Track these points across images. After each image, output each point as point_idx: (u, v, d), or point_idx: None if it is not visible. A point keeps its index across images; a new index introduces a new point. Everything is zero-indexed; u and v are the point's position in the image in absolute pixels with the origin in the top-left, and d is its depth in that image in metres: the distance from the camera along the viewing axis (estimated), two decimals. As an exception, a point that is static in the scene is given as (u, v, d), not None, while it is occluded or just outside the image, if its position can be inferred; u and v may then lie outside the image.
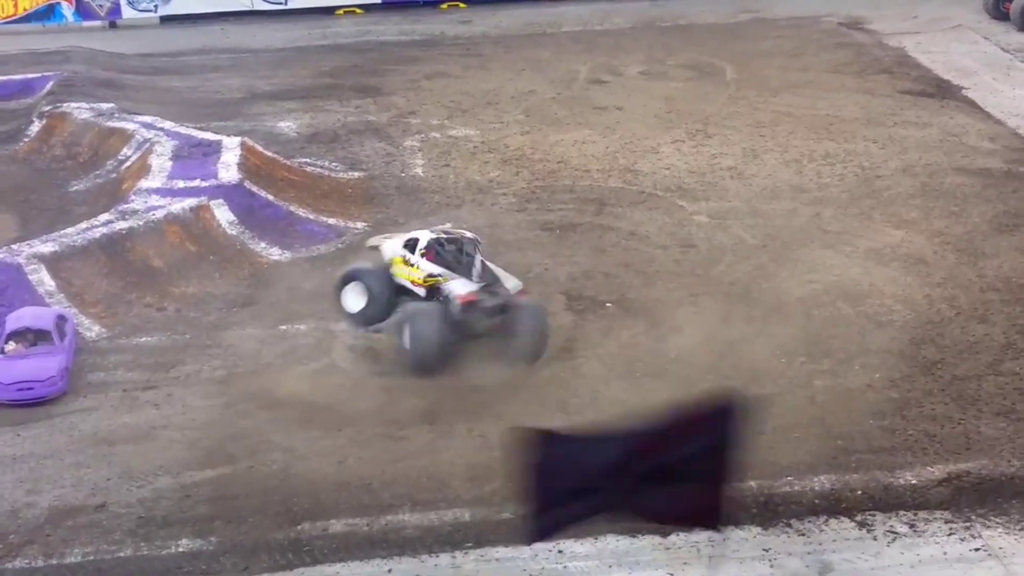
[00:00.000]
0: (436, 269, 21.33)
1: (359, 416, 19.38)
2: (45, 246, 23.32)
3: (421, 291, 21.34)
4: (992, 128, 30.79)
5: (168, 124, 29.80)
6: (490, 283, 21.22)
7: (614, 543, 16.40)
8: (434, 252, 21.55)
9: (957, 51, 37.37)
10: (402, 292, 21.54)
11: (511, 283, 21.39)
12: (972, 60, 36.40)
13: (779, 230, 25.30)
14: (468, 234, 22.26)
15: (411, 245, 21.70)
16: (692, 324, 21.79)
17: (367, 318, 21.61)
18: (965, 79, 34.58)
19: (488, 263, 21.66)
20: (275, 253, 24.92)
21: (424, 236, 21.81)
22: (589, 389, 19.87)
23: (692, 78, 35.76)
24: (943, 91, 33.76)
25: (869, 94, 33.65)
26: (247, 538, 16.77)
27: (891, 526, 16.56)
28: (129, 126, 29.92)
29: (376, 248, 22.66)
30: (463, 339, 20.81)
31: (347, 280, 21.91)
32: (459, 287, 21.01)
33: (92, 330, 22.04)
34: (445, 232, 22.25)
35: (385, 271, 21.76)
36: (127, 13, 43.99)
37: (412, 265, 21.50)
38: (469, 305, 20.77)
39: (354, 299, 21.74)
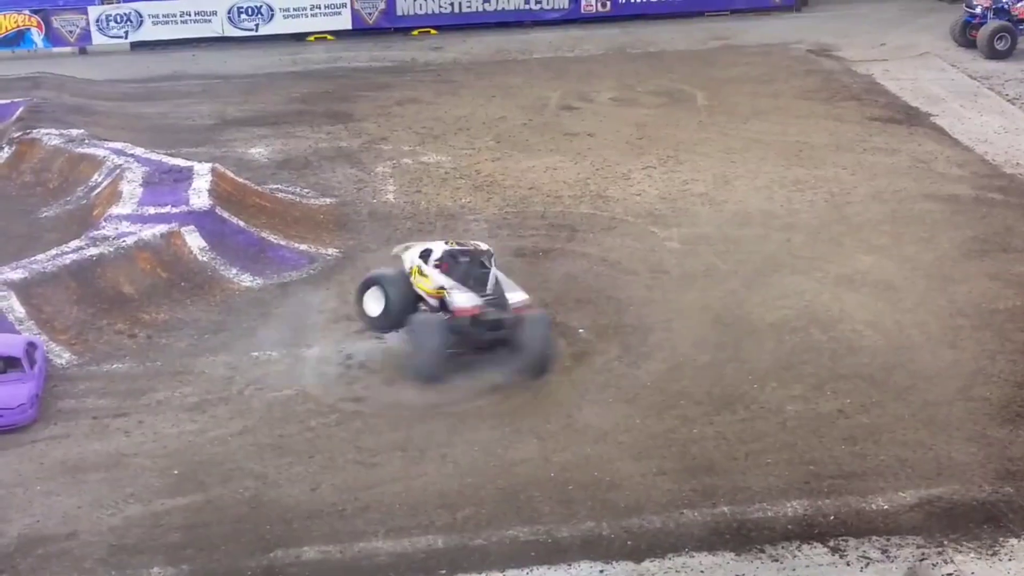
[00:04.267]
0: (446, 281, 21.44)
1: (331, 442, 19.34)
2: (15, 273, 23.17)
3: (434, 302, 21.48)
4: (960, 155, 30.99)
5: (139, 150, 29.68)
6: (497, 296, 21.42)
7: (587, 569, 16.38)
8: (447, 264, 21.69)
9: (925, 78, 37.64)
10: (420, 301, 21.74)
11: (517, 295, 21.64)
12: (940, 87, 36.66)
13: (750, 256, 25.39)
14: (482, 246, 22.52)
15: (426, 255, 21.83)
16: (664, 350, 21.83)
17: (384, 323, 21.83)
18: (933, 106, 34.82)
19: (499, 273, 21.90)
20: (247, 279, 24.84)
21: (438, 247, 21.95)
22: (563, 415, 19.86)
23: (663, 104, 35.91)
24: (911, 118, 33.98)
25: (838, 121, 33.85)
26: (219, 566, 16.67)
27: (864, 551, 16.58)
28: (99, 152, 29.80)
29: (399, 256, 22.71)
30: (468, 350, 21.12)
31: (367, 285, 22.06)
32: (461, 300, 21.20)
33: (62, 357, 21.91)
34: (459, 244, 22.44)
35: (405, 278, 21.86)
36: (97, 39, 43.89)
37: (426, 276, 21.63)
38: (472, 318, 21.02)
39: (373, 304, 21.91)
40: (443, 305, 21.38)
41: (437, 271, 21.60)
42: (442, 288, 21.38)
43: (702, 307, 23.35)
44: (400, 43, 44.30)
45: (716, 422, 19.52)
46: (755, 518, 17.25)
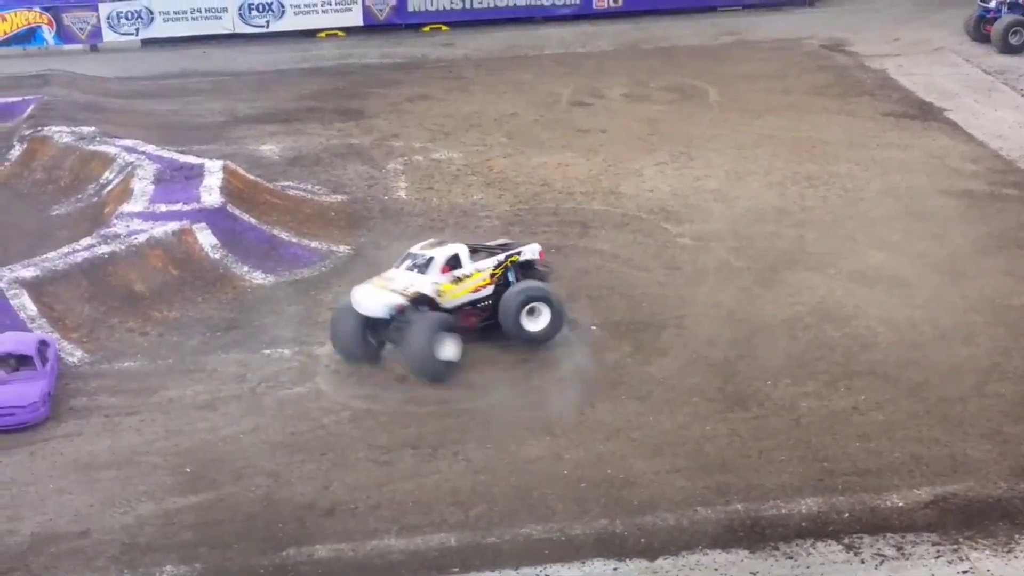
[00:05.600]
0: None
1: (344, 440, 19.31)
2: (27, 271, 23.19)
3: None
4: (974, 150, 30.89)
5: (150, 148, 29.72)
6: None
7: (601, 567, 16.34)
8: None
9: (939, 73, 37.53)
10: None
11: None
12: (954, 82, 36.54)
13: (763, 252, 25.32)
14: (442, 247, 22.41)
15: (452, 262, 21.89)
16: (677, 346, 21.77)
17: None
18: (947, 101, 34.71)
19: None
20: (258, 277, 24.82)
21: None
22: (575, 411, 19.81)
23: (675, 101, 35.83)
24: (925, 113, 33.88)
25: (851, 116, 33.75)
26: (232, 564, 16.66)
27: (878, 549, 16.53)
28: (111, 150, 29.81)
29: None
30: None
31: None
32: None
33: (74, 355, 21.92)
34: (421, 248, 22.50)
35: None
36: (108, 36, 43.92)
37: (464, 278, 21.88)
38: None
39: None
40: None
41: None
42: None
43: (714, 304, 23.29)
44: (411, 39, 44.25)
45: (729, 419, 19.47)
46: (769, 516, 17.20)
